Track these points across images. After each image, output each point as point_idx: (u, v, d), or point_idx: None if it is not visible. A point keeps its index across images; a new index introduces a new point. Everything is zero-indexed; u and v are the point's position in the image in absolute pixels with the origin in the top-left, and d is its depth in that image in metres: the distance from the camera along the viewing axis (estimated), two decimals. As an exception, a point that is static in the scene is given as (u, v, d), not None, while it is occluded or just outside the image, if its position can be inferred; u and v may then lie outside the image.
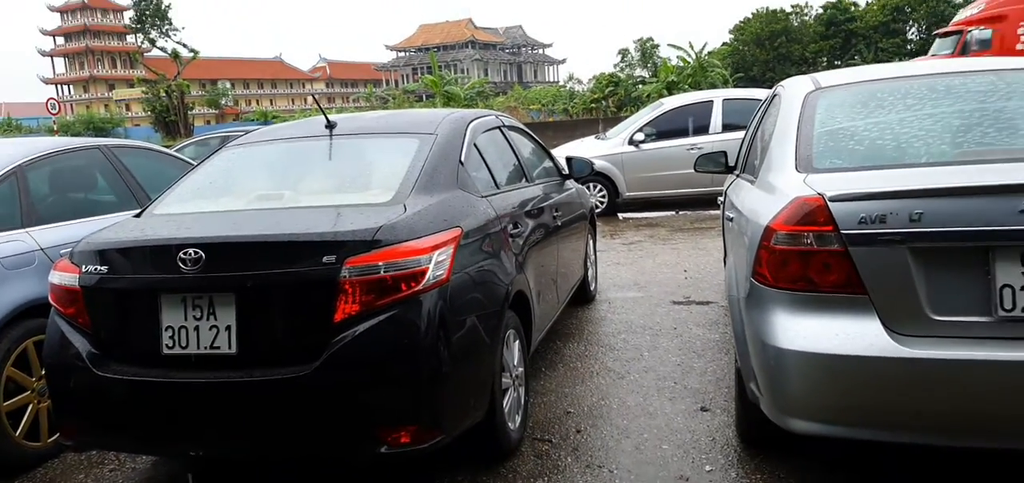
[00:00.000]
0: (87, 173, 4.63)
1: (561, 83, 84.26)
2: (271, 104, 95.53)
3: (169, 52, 50.76)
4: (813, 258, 2.49)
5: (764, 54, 62.82)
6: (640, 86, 42.58)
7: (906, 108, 3.02)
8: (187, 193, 3.51)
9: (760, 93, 11.33)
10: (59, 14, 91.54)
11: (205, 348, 2.72)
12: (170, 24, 50.66)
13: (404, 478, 3.29)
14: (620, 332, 5.21)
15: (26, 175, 4.03)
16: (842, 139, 2.95)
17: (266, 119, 49.10)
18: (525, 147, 4.71)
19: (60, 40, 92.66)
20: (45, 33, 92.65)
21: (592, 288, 6.06)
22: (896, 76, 3.29)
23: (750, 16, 67.13)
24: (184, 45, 50.96)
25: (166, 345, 2.76)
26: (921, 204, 2.35)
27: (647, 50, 67.51)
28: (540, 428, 3.71)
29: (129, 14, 55.00)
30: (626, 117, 15.31)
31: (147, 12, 50.05)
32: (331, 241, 2.67)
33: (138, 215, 3.43)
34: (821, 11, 65.97)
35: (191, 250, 2.69)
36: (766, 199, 2.84)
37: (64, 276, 2.95)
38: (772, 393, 2.64)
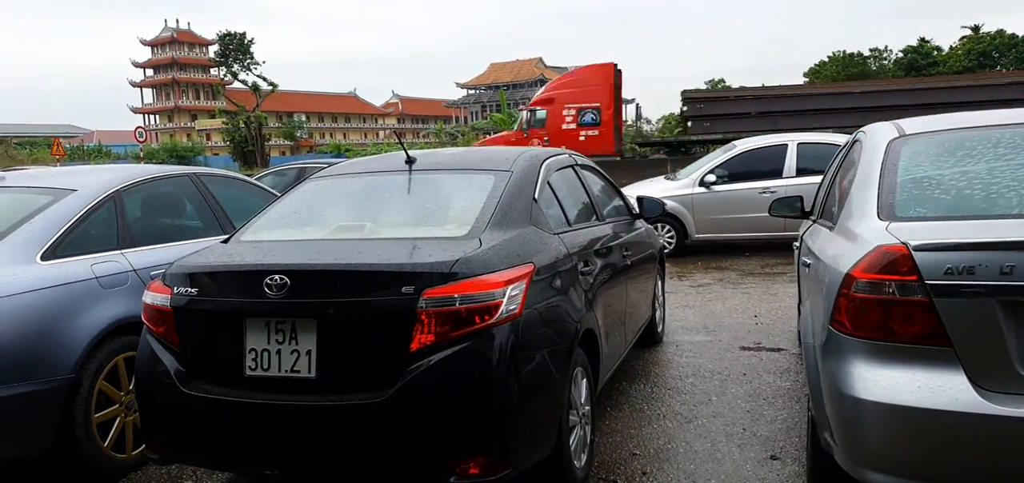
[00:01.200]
0: (177, 199, 4.88)
1: (630, 122, 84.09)
2: (344, 138, 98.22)
3: (250, 85, 52.89)
4: (895, 308, 2.43)
5: (839, 98, 61.32)
6: (709, 127, 42.05)
7: (996, 158, 2.93)
8: (273, 221, 3.66)
9: (837, 138, 11.11)
10: (150, 48, 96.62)
11: (286, 371, 2.82)
12: (252, 58, 52.82)
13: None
14: (688, 375, 5.14)
15: (123, 199, 4.28)
16: (927, 187, 2.88)
17: (339, 152, 50.52)
18: (596, 185, 4.74)
19: (149, 72, 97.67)
20: (136, 65, 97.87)
21: (660, 329, 6.00)
22: (986, 125, 3.20)
23: (826, 59, 65.82)
24: (264, 78, 53.03)
25: (249, 367, 2.87)
26: (1013, 257, 2.27)
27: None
28: (605, 468, 3.68)
29: (214, 48, 57.58)
30: (696, 157, 15.29)
31: (231, 46, 52.33)
32: (409, 272, 2.75)
33: (226, 241, 3.59)
34: (901, 55, 64.19)
35: (277, 276, 2.81)
36: (846, 246, 2.79)
37: (156, 296, 3.12)
38: (848, 444, 2.57)
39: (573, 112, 20.74)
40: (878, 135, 3.31)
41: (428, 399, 2.69)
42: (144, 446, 3.24)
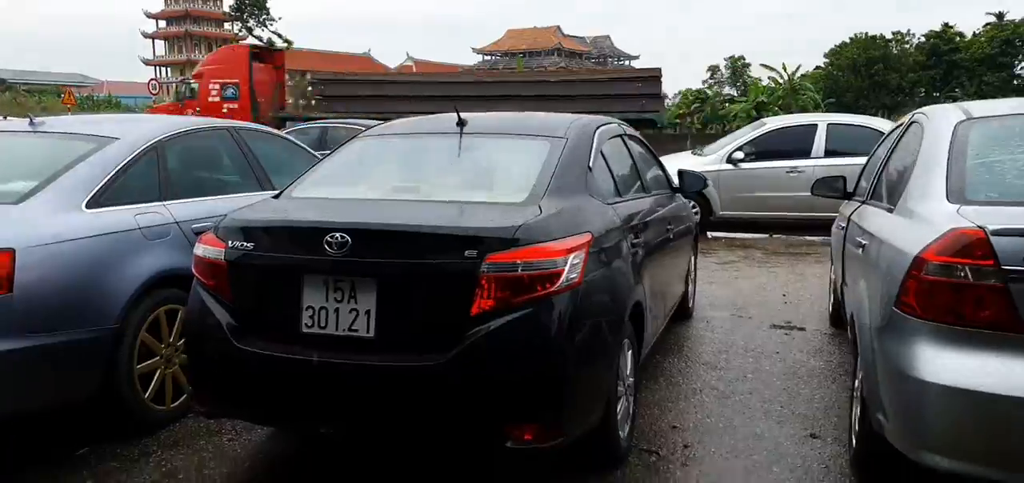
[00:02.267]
0: (215, 152, 4.84)
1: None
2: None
3: (265, 41, 52.66)
4: (967, 292, 2.39)
5: (859, 80, 60.64)
6: (728, 105, 41.87)
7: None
8: (324, 178, 3.63)
9: (869, 120, 10.99)
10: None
11: (344, 330, 2.81)
12: (267, 14, 52.63)
13: (518, 479, 3.32)
14: (721, 351, 5.12)
15: (165, 150, 4.25)
16: (999, 172, 2.83)
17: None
18: (641, 157, 4.69)
19: (162, 23, 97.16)
20: (149, 16, 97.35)
21: (691, 305, 5.98)
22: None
23: (847, 41, 65.00)
24: (279, 35, 52.87)
25: (305, 324, 2.86)
26: None
27: (738, 68, 66.24)
28: (645, 440, 3.68)
29: (229, 2, 57.10)
30: (711, 135, 15.27)
31: (246, 1, 52.08)
32: (473, 236, 2.72)
33: (277, 196, 3.56)
34: (923, 40, 63.29)
35: (338, 234, 2.78)
36: (913, 228, 2.75)
37: (209, 249, 3.09)
38: (908, 425, 2.55)
39: (218, 87, 23.48)
40: (943, 118, 3.25)
41: (487, 364, 2.67)
42: (190, 398, 3.25)
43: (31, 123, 4.30)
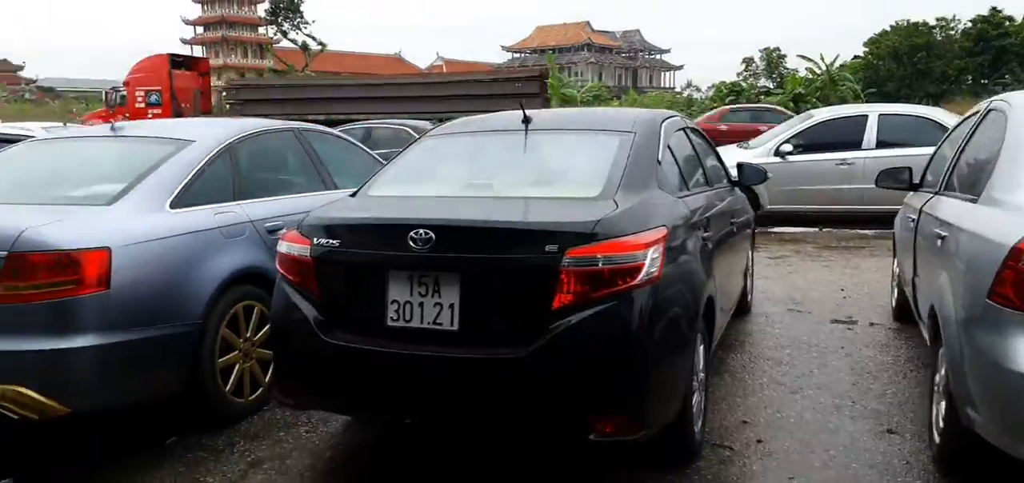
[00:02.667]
0: (282, 153, 4.95)
1: (677, 90, 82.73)
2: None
3: (299, 44, 53.23)
4: None
5: (901, 69, 59.33)
6: (763, 97, 41.37)
7: None
8: (397, 177, 3.70)
9: (924, 110, 10.81)
10: (200, 4, 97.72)
11: (428, 323, 2.86)
12: (301, 17, 53.11)
13: (596, 474, 3.35)
14: (784, 347, 5.09)
15: (237, 151, 4.35)
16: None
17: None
18: (703, 150, 4.68)
19: (200, 29, 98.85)
20: (187, 22, 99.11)
21: (749, 299, 5.95)
22: None
23: (888, 29, 63.70)
24: (313, 37, 53.35)
25: (391, 318, 2.92)
26: None
27: (773, 60, 65.21)
28: (717, 435, 3.68)
29: (264, 6, 57.73)
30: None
31: (281, 5, 52.64)
32: (554, 231, 2.76)
33: (353, 195, 3.64)
34: (969, 25, 61.73)
35: (422, 231, 2.84)
36: (1005, 218, 2.72)
37: (294, 246, 3.17)
38: (1006, 420, 2.53)
39: (143, 93, 25.15)
40: (1027, 105, 3.20)
41: (570, 357, 2.71)
42: (274, 391, 3.34)
43: (112, 129, 4.44)
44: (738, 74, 65.11)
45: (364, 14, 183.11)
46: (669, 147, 3.76)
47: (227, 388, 3.86)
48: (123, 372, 3.35)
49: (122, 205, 3.59)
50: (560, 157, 3.69)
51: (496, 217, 2.94)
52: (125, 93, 25.94)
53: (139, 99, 25.16)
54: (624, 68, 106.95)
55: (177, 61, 26.48)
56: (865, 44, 64.24)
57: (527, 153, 3.73)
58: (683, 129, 4.31)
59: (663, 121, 3.89)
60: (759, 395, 4.22)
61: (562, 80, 45.20)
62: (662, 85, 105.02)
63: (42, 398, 3.10)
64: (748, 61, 67.51)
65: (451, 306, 2.84)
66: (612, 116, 3.90)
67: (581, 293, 2.71)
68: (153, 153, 4.01)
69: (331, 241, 3.06)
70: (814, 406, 4.03)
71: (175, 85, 25.37)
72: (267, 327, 4.10)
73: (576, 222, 2.80)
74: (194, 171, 3.97)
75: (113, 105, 26.11)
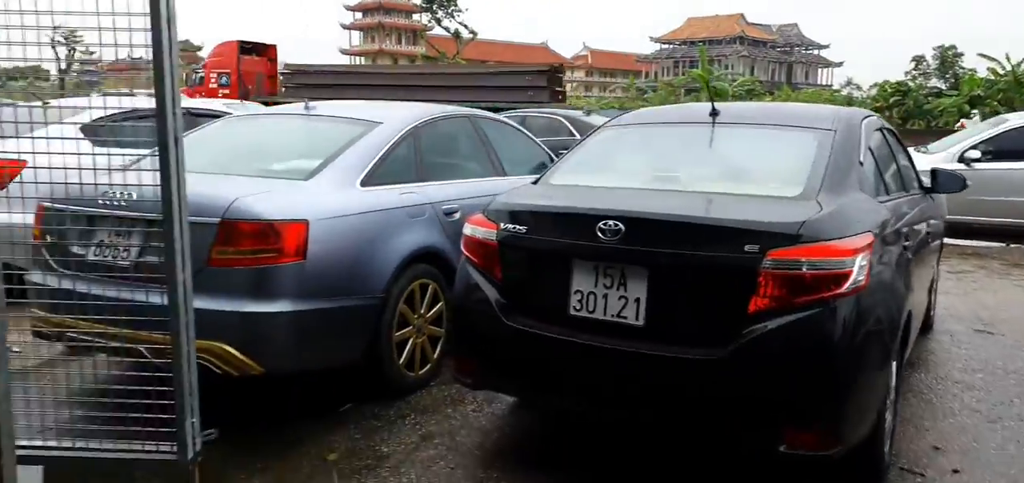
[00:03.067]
0: (457, 138, 5.09)
1: (835, 88, 78.09)
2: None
3: (452, 32, 54.69)
4: None
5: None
6: (934, 98, 38.25)
7: None
8: (580, 166, 3.70)
9: None
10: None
11: (612, 316, 2.84)
12: (455, 5, 54.51)
13: None
14: (975, 370, 4.68)
15: (420, 134, 4.52)
16: None
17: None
18: (898, 152, 4.37)
19: (358, 15, 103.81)
20: (347, 8, 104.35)
21: (932, 314, 5.51)
22: None
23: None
24: (465, 26, 54.66)
25: (574, 307, 2.92)
26: None
27: (948, 58, 60.14)
28: (906, 459, 3.43)
29: (421, -7, 59.44)
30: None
31: (437, -8, 54.32)
32: (755, 230, 2.66)
33: (535, 183, 3.68)
34: None
35: (610, 221, 2.82)
36: None
37: (480, 230, 3.25)
38: None
39: (215, 75, 28.70)
40: None
41: (766, 363, 2.60)
42: (451, 367, 3.44)
43: (306, 108, 4.74)
44: (905, 73, 60.60)
45: (516, 3, 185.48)
46: (870, 148, 3.53)
47: (401, 361, 4.03)
48: (313, 338, 3.57)
49: (318, 181, 3.82)
50: (752, 153, 3.54)
51: (689, 212, 2.87)
52: (203, 75, 29.55)
53: (213, 80, 28.67)
54: (778, 63, 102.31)
55: (246, 47, 29.60)
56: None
57: (715, 147, 3.62)
58: (880, 129, 4.04)
59: (863, 119, 3.66)
60: (951, 421, 3.90)
61: (713, 72, 43.77)
62: (818, 82, 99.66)
63: (242, 356, 3.35)
64: (918, 60, 62.57)
65: (637, 300, 2.80)
66: (808, 112, 3.70)
67: (781, 297, 2.60)
68: (345, 133, 4.23)
69: (517, 226, 3.10)
70: (1018, 438, 3.68)
71: (242, 69, 28.50)
72: (439, 305, 4.25)
73: (779, 222, 2.68)
74: (383, 151, 4.16)
75: (193, 84, 29.59)
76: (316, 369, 3.72)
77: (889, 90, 43.96)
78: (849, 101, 50.87)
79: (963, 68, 56.88)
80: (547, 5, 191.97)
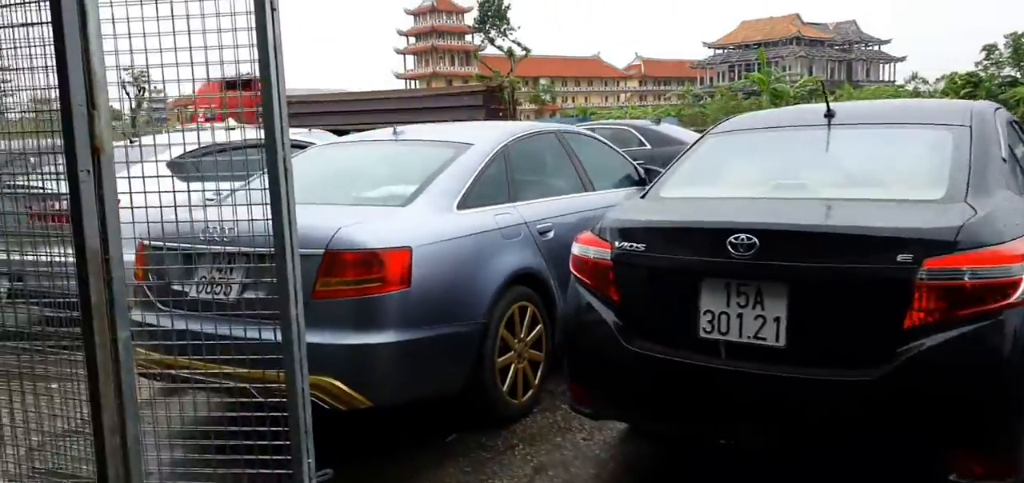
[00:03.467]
0: (545, 154, 4.95)
1: (898, 83, 75.49)
2: (586, 101, 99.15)
3: (505, 50, 54.98)
4: None
5: None
6: (1010, 88, 36.68)
7: None
8: (689, 178, 3.51)
9: None
10: (413, 17, 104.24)
11: (748, 337, 2.64)
12: (508, 24, 54.82)
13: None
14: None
15: (510, 153, 4.39)
16: None
17: (585, 115, 51.04)
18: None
19: (412, 40, 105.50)
20: (400, 33, 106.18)
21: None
22: None
23: None
24: (519, 43, 54.86)
25: (703, 329, 2.73)
26: None
27: (1021, 46, 57.51)
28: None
29: (472, 15, 59.96)
30: None
31: (489, 13, 54.68)
32: (907, 238, 2.43)
33: (643, 196, 3.50)
34: None
35: (743, 235, 2.62)
36: None
37: (591, 249, 3.09)
38: None
39: (203, 111, 28.68)
40: None
41: (929, 384, 2.37)
42: (566, 396, 3.28)
43: (394, 132, 4.67)
44: (976, 63, 58.18)
45: (565, 16, 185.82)
46: (1007, 143, 3.26)
47: (504, 388, 3.89)
48: (420, 368, 3.46)
49: (416, 206, 3.73)
50: (880, 155, 3.30)
51: (831, 221, 2.65)
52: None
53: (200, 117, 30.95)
54: (837, 61, 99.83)
55: (231, 84, 31.01)
56: None
57: (836, 150, 3.39)
58: (1010, 122, 3.74)
59: (994, 111, 3.39)
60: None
61: (772, 74, 42.82)
62: (880, 78, 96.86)
63: (350, 390, 3.26)
64: (990, 49, 59.95)
65: (776, 319, 2.60)
66: (935, 108, 3.45)
67: (940, 311, 2.36)
68: (437, 156, 4.14)
69: (634, 244, 2.93)
70: None
71: (227, 102, 30.26)
72: (537, 328, 4.10)
73: (933, 228, 2.45)
74: (476, 173, 4.05)
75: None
76: (421, 400, 3.61)
77: (959, 82, 42.37)
78: (916, 94, 49.16)
79: (1038, 55, 54.44)
80: (599, 18, 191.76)
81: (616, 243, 2.99)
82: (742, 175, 3.53)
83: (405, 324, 3.38)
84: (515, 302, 3.95)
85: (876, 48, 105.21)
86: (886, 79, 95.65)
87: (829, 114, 3.46)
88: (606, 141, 5.82)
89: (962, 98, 36.48)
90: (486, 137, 4.39)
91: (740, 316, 2.67)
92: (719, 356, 2.70)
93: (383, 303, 3.34)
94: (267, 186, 2.60)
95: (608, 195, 5.08)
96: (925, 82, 62.07)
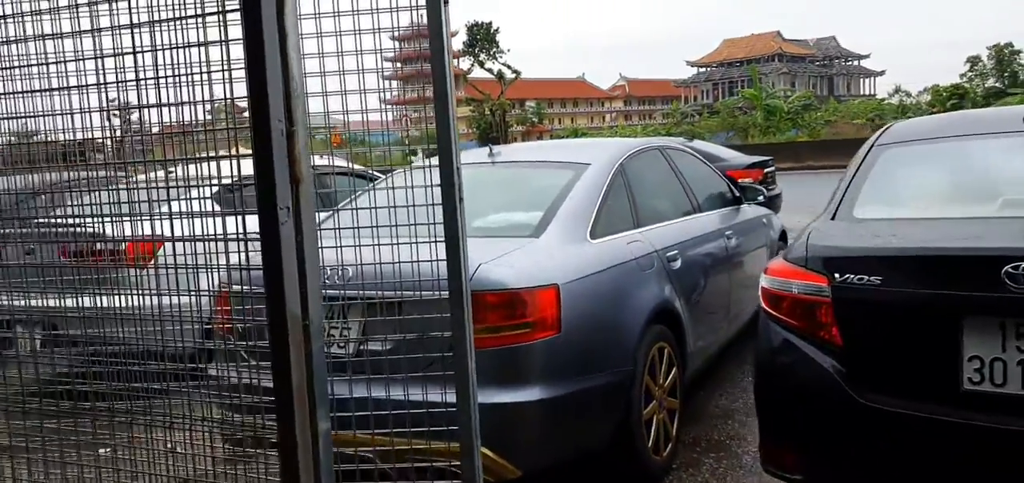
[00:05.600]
0: (656, 173, 4.41)
1: (880, 96, 75.95)
2: (572, 122, 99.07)
3: (495, 74, 54.67)
4: None
5: None
6: (996, 98, 36.82)
7: None
8: (883, 196, 2.98)
9: None
10: (397, 42, 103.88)
11: (1037, 389, 2.14)
12: (498, 47, 54.52)
13: None
14: None
15: (626, 173, 3.88)
16: None
17: (576, 134, 50.66)
18: None
19: (398, 65, 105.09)
20: (386, 59, 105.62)
21: None
22: None
23: None
24: (509, 66, 54.58)
25: (969, 379, 2.23)
26: None
27: (1005, 57, 57.96)
28: None
29: (461, 38, 59.46)
30: None
31: (478, 36, 54.34)
32: None
33: (833, 218, 2.98)
34: None
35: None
36: None
37: (795, 283, 2.57)
38: None
39: None
40: None
41: None
42: (765, 459, 2.75)
43: (490, 154, 4.14)
44: (961, 75, 58.65)
45: (550, 39, 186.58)
46: None
47: (648, 442, 3.35)
48: (570, 426, 2.94)
49: (549, 236, 3.20)
50: None
51: None
52: None
53: None
54: (819, 76, 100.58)
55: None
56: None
57: None
58: None
59: None
60: None
61: (766, 91, 42.83)
62: (861, 92, 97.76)
63: (497, 458, 2.72)
64: (973, 60, 60.50)
65: None
66: None
67: None
68: (554, 178, 3.63)
69: (863, 277, 2.42)
70: None
71: None
72: (673, 372, 3.58)
73: None
74: (602, 195, 3.54)
75: None
76: (568, 461, 3.07)
77: (945, 93, 42.60)
78: (902, 107, 49.39)
79: (1022, 65, 55.02)
80: (585, 38, 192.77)
81: (836, 275, 2.48)
82: (952, 191, 3.02)
83: (555, 376, 2.86)
84: (655, 343, 3.42)
85: (856, 63, 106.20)
86: (867, 93, 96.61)
87: (1028, 117, 2.99)
88: (697, 154, 5.31)
89: (949, 109, 36.60)
90: (602, 155, 3.87)
91: (1020, 363, 2.16)
92: (993, 412, 2.19)
93: (532, 352, 2.82)
94: (439, 220, 2.12)
95: (713, 216, 4.60)
96: (908, 94, 62.52)
